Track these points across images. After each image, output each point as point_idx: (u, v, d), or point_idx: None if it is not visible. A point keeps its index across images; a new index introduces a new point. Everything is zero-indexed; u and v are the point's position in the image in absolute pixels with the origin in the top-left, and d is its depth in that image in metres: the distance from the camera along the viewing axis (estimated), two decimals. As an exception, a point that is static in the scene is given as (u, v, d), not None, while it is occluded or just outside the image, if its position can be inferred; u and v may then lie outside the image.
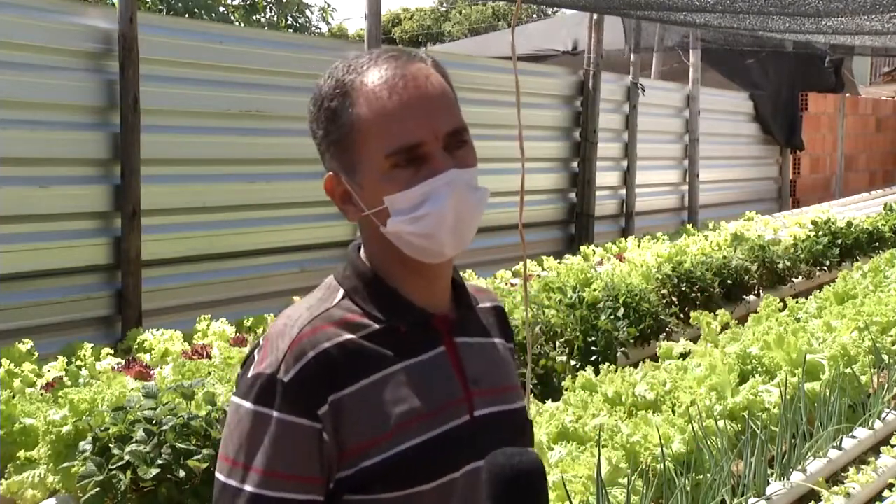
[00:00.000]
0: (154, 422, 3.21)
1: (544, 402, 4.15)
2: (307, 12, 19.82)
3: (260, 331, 5.48)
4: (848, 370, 4.40)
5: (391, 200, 1.28)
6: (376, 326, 1.30)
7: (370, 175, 1.29)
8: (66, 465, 3.30)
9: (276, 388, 1.24)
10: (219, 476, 1.26)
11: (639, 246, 8.71)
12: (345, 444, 1.24)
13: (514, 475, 1.15)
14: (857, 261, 8.07)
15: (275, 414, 1.23)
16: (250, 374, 1.27)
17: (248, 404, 1.25)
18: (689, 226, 10.67)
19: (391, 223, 1.29)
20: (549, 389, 4.56)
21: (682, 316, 6.15)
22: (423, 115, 1.28)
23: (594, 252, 8.44)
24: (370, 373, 1.27)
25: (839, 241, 8.34)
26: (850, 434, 4.12)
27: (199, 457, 3.11)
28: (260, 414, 1.24)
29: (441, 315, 1.36)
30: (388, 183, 1.28)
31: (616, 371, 4.38)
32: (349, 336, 1.28)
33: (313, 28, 21.07)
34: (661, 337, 5.70)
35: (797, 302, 5.99)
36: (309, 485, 1.24)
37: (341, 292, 1.34)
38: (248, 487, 1.23)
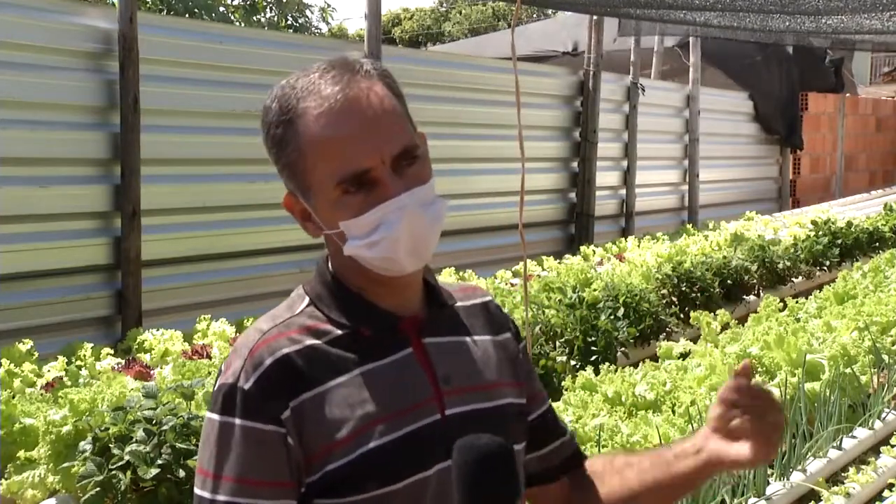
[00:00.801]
0: (154, 422, 3.21)
1: (544, 402, 4.14)
2: (307, 12, 19.84)
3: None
4: (848, 370, 4.40)
5: (346, 226, 1.29)
6: (339, 332, 1.31)
7: (322, 200, 1.30)
8: (66, 465, 3.30)
9: (236, 397, 1.25)
10: (195, 489, 1.28)
11: (639, 246, 8.70)
12: (309, 449, 1.25)
13: (479, 457, 1.15)
14: (857, 261, 8.07)
15: (237, 421, 1.24)
16: (217, 385, 1.29)
17: (215, 416, 1.27)
18: (689, 226, 10.66)
19: (348, 247, 1.30)
20: (549, 389, 4.54)
21: (682, 316, 6.15)
22: (368, 140, 1.26)
23: (594, 252, 8.43)
24: (332, 377, 1.28)
25: (839, 241, 8.34)
26: (850, 434, 4.12)
27: (199, 457, 3.11)
28: (225, 423, 1.25)
29: (409, 317, 1.36)
30: (340, 209, 1.28)
31: (616, 371, 4.38)
32: (312, 342, 1.30)
33: (313, 28, 21.08)
34: (661, 337, 5.70)
35: (797, 302, 5.98)
36: (280, 489, 1.24)
37: (306, 300, 1.35)
38: (220, 497, 1.24)
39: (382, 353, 1.32)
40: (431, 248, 1.33)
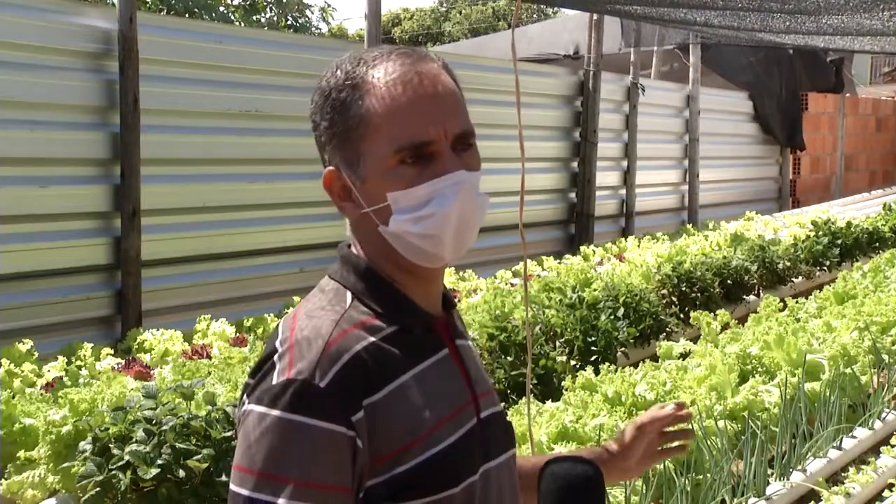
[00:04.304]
0: (154, 422, 3.21)
1: (544, 402, 4.15)
2: (307, 12, 19.86)
3: (260, 331, 5.48)
4: (848, 370, 4.40)
5: (395, 198, 1.25)
6: (389, 329, 1.27)
7: (374, 170, 1.26)
8: (66, 465, 3.30)
9: (311, 395, 1.18)
10: (241, 491, 1.17)
11: (639, 246, 8.71)
12: (377, 452, 1.20)
13: (578, 483, 1.13)
14: (857, 261, 8.07)
15: (310, 422, 1.17)
16: (276, 380, 1.19)
17: (276, 412, 1.18)
18: (689, 226, 10.67)
19: (393, 222, 1.26)
20: (549, 389, 4.56)
21: (682, 316, 6.15)
22: (434, 113, 1.26)
23: (594, 252, 8.44)
24: (395, 376, 1.24)
25: (839, 241, 8.34)
26: (850, 434, 4.12)
27: (199, 457, 3.11)
28: (293, 422, 1.17)
29: (440, 317, 1.34)
30: (393, 179, 1.25)
31: (616, 371, 4.38)
32: (371, 339, 1.25)
33: (313, 28, 21.10)
34: (661, 337, 5.70)
35: (797, 302, 5.99)
36: (343, 495, 1.18)
37: (349, 294, 1.30)
38: (281, 501, 1.15)
39: (426, 353, 1.29)
40: (473, 237, 1.30)
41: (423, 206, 1.24)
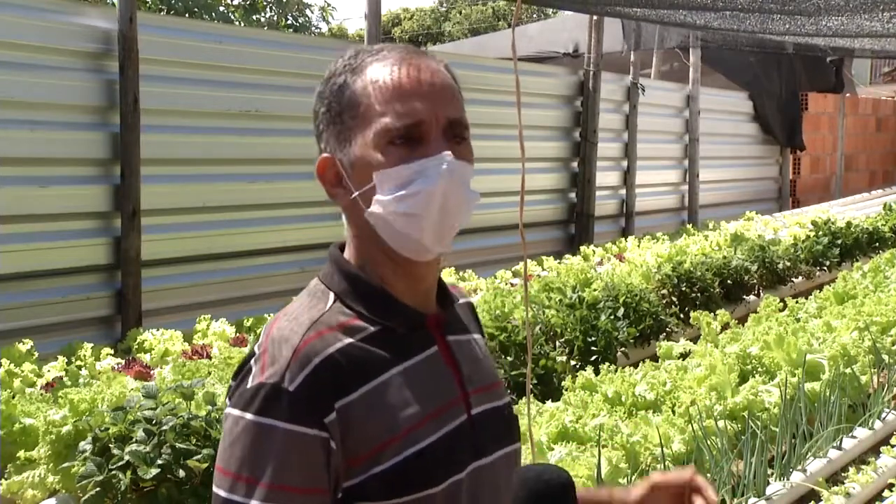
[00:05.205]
0: (154, 422, 3.21)
1: (544, 402, 4.15)
2: (307, 12, 19.87)
3: (259, 331, 5.47)
4: (848, 370, 4.40)
5: (380, 176, 1.26)
6: (372, 329, 1.28)
7: (364, 150, 1.28)
8: (66, 465, 3.30)
9: (281, 398, 1.19)
10: (219, 492, 1.20)
11: (639, 246, 8.71)
12: (353, 452, 1.21)
13: (546, 489, 1.14)
14: (857, 261, 8.07)
15: (280, 425, 1.19)
16: (250, 384, 1.22)
17: (249, 415, 1.20)
18: (689, 226, 10.67)
19: (376, 201, 1.26)
20: (549, 389, 4.56)
21: (682, 316, 6.15)
22: (427, 97, 1.28)
23: (594, 252, 8.44)
24: (373, 377, 1.25)
25: (839, 241, 8.34)
26: (850, 434, 4.13)
27: (199, 457, 3.11)
28: (264, 425, 1.19)
29: (432, 315, 1.34)
30: (382, 158, 1.26)
31: (616, 371, 4.38)
32: (349, 340, 1.26)
33: (313, 28, 21.11)
34: (661, 337, 5.70)
35: (797, 302, 5.99)
36: (317, 496, 1.20)
37: (332, 295, 1.31)
38: (254, 502, 1.18)
39: (413, 351, 1.30)
40: (454, 229, 1.30)
41: (407, 185, 1.25)
